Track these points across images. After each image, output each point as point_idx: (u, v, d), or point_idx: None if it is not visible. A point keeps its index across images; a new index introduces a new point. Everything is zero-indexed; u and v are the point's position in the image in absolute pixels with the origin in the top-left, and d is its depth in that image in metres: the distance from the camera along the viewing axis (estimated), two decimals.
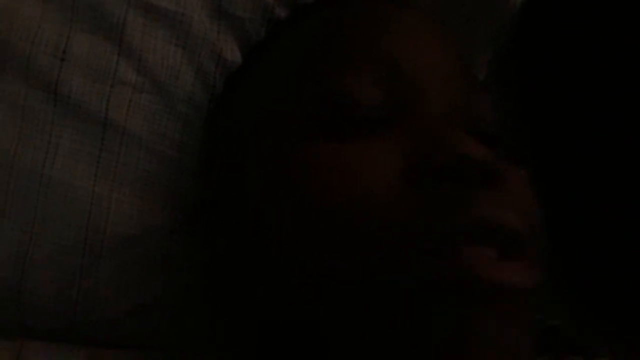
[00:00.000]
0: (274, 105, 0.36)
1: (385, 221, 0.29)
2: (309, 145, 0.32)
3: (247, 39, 0.44)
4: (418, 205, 0.29)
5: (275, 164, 0.33)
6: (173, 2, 0.44)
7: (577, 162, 0.42)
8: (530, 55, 0.44)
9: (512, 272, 0.28)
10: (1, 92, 0.42)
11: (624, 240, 0.38)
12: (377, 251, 0.29)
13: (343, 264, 0.30)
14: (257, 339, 0.34)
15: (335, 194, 0.30)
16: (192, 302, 0.41)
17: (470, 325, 0.28)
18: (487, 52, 0.44)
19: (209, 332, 0.39)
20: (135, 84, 0.43)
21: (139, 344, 0.41)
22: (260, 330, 0.33)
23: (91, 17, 0.43)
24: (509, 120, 0.42)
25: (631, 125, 0.40)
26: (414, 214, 0.29)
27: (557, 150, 0.43)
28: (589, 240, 0.40)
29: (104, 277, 0.41)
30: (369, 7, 0.37)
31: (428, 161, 0.30)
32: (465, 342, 0.28)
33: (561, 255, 0.41)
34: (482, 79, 0.44)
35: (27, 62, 0.42)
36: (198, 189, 0.42)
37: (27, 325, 0.42)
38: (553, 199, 0.42)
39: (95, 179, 0.42)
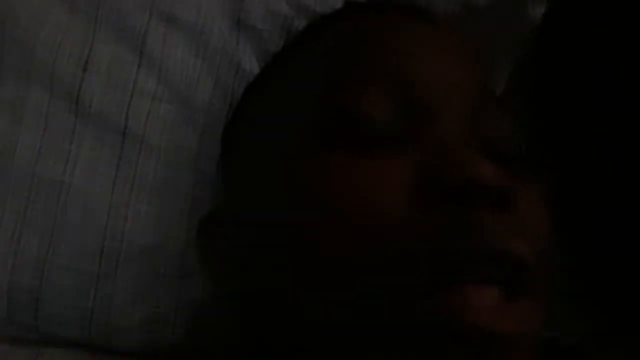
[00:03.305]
0: (288, 118, 0.35)
1: (389, 243, 0.28)
2: (320, 160, 0.32)
3: (266, 50, 0.44)
4: (424, 228, 0.28)
5: (286, 179, 0.33)
6: (194, 14, 0.44)
7: (599, 173, 0.41)
8: (552, 67, 0.43)
9: (514, 319, 0.27)
10: (26, 100, 0.43)
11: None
12: (378, 280, 0.28)
13: (343, 289, 0.29)
14: (266, 355, 0.33)
15: (342, 210, 0.30)
16: (206, 314, 0.41)
17: None
18: (508, 64, 0.43)
19: (221, 345, 0.39)
20: (154, 94, 0.43)
21: (152, 353, 0.42)
22: (268, 347, 0.33)
23: (114, 27, 0.44)
24: (529, 132, 0.42)
25: None
26: (420, 237, 0.28)
27: (579, 161, 0.42)
28: (613, 255, 0.39)
29: (120, 286, 0.41)
30: (386, 20, 0.37)
31: (437, 182, 0.29)
32: None
33: (582, 269, 0.40)
34: (503, 92, 0.44)
35: (51, 72, 0.43)
36: (215, 200, 0.42)
37: (43, 331, 0.42)
38: (574, 210, 0.42)
39: (113, 187, 0.42)
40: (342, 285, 0.29)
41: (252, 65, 0.44)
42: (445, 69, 0.34)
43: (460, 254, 0.28)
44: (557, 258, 0.32)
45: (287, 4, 0.45)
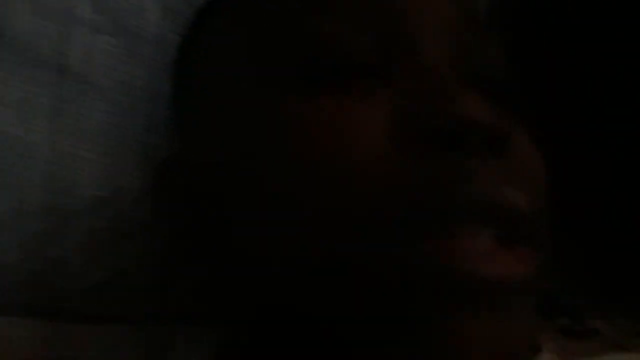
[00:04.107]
0: (248, 48, 0.31)
1: (368, 190, 0.25)
2: (286, 97, 0.28)
3: None
4: (409, 174, 0.25)
5: (249, 118, 0.29)
6: None
7: (581, 109, 0.40)
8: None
9: (507, 264, 0.25)
10: None
11: (628, 203, 0.37)
12: (355, 227, 0.25)
13: (315, 237, 0.26)
14: (235, 310, 0.31)
15: (313, 154, 0.26)
16: (168, 270, 0.38)
17: (459, 327, 0.25)
18: None
19: (186, 303, 0.36)
20: (94, 25, 0.38)
21: (111, 317, 0.39)
22: (236, 300, 0.31)
23: None
24: (512, 58, 0.40)
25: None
26: (405, 184, 0.25)
27: (560, 90, 0.41)
28: (590, 201, 0.38)
29: (71, 244, 0.38)
30: None
31: (421, 122, 0.26)
32: (453, 345, 0.25)
33: (560, 216, 0.40)
34: (484, 18, 0.41)
35: None
36: (170, 144, 0.38)
37: None
38: (557, 155, 0.40)
39: (54, 134, 0.37)
40: (318, 238, 0.26)
41: None
42: None
43: (449, 203, 0.25)
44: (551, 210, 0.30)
45: None
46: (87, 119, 0.38)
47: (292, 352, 0.28)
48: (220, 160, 0.30)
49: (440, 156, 0.25)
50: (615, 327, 0.35)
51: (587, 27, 0.40)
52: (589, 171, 0.39)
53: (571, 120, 0.39)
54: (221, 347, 0.32)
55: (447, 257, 0.25)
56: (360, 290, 0.26)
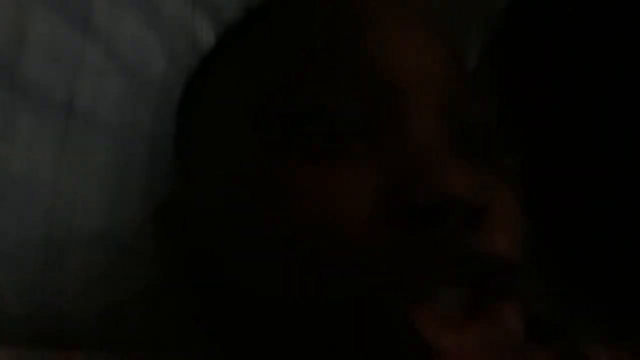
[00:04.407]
0: (242, 106, 0.32)
1: (350, 259, 0.26)
2: (276, 161, 0.29)
3: (224, 21, 0.41)
4: (389, 247, 0.26)
5: (242, 172, 0.30)
6: None
7: (568, 149, 0.41)
8: (520, 44, 0.43)
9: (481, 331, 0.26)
10: None
11: (617, 223, 0.37)
12: (336, 290, 0.27)
13: (300, 297, 0.27)
14: (224, 341, 0.31)
15: (300, 219, 0.27)
16: (164, 300, 0.38)
17: None
18: (478, 42, 0.43)
19: (180, 332, 0.36)
20: (102, 69, 0.40)
21: (108, 345, 0.39)
22: (227, 337, 0.31)
23: None
24: (500, 109, 0.41)
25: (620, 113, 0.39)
26: (384, 256, 0.26)
27: (547, 138, 0.42)
28: (580, 223, 0.39)
29: (70, 275, 0.38)
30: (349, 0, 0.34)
31: (405, 196, 0.27)
32: None
33: (551, 238, 0.40)
34: (472, 69, 0.43)
35: None
36: (171, 181, 0.39)
37: None
38: (543, 186, 0.41)
39: (58, 170, 0.39)
40: (299, 291, 0.27)
41: (209, 37, 0.41)
42: (415, 52, 0.31)
43: (427, 273, 0.26)
44: (533, 248, 0.31)
45: None
46: (91, 156, 0.39)
47: None
48: (214, 207, 0.31)
49: (422, 231, 0.26)
50: (609, 351, 0.35)
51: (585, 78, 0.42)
52: (581, 207, 0.39)
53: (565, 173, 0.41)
54: None
55: (415, 327, 0.25)
56: (332, 341, 0.27)
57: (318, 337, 0.27)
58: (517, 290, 0.28)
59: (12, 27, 0.40)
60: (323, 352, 0.27)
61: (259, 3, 0.41)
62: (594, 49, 0.40)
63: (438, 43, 0.32)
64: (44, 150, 0.39)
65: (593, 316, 0.39)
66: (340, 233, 0.27)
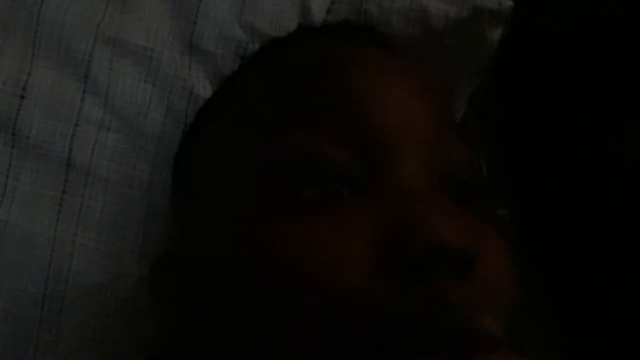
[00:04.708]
0: (233, 159, 0.32)
1: (345, 312, 0.26)
2: (270, 214, 0.29)
3: (220, 75, 0.42)
4: (383, 300, 0.26)
5: (237, 227, 0.30)
6: (142, 37, 0.42)
7: (560, 198, 0.41)
8: (510, 89, 0.43)
9: None
10: None
11: (616, 269, 0.37)
12: (330, 346, 0.26)
13: (295, 353, 0.27)
14: None
15: (293, 275, 0.27)
16: (160, 357, 0.38)
17: None
18: (467, 89, 0.43)
19: None
20: (101, 123, 0.41)
21: None
22: None
23: (55, 51, 0.41)
24: (490, 155, 0.41)
25: (613, 155, 0.40)
26: (378, 310, 0.26)
27: (537, 179, 0.42)
28: (579, 269, 0.39)
29: (66, 331, 0.38)
30: (340, 50, 0.34)
31: (399, 249, 0.27)
32: None
33: (549, 285, 0.40)
34: (462, 117, 0.44)
35: None
36: (169, 235, 0.39)
37: None
38: (537, 234, 0.41)
39: (57, 224, 0.39)
40: (291, 350, 0.27)
41: (205, 91, 0.42)
42: (403, 104, 0.31)
43: (421, 332, 0.26)
44: (522, 297, 0.31)
45: (241, 27, 0.43)
46: (90, 209, 0.39)
47: None
48: (211, 260, 0.31)
49: (413, 282, 0.26)
50: None
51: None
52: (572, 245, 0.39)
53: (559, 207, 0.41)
54: None
55: None
56: None
57: None
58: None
59: (13, 82, 0.40)
60: None
61: (252, 56, 0.42)
62: (587, 101, 0.41)
63: (422, 94, 0.32)
64: (43, 204, 0.39)
65: None
66: (334, 287, 0.27)
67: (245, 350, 0.29)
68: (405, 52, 0.38)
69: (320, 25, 0.45)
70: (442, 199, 0.29)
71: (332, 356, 0.26)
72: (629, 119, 0.39)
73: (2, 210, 0.39)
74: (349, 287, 0.27)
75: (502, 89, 0.43)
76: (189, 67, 0.42)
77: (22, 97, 0.40)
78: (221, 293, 0.30)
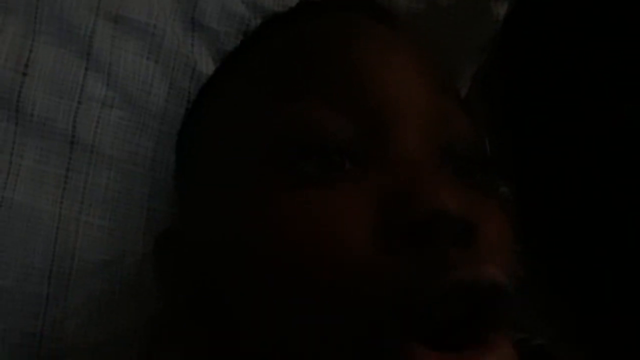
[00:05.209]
0: (237, 134, 0.32)
1: (350, 282, 0.26)
2: (273, 188, 0.29)
3: (222, 52, 0.42)
4: (388, 268, 0.26)
5: (239, 202, 0.30)
6: (144, 14, 0.42)
7: (561, 174, 0.41)
8: (515, 67, 0.43)
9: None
10: None
11: (618, 253, 0.37)
12: (336, 316, 0.27)
13: (298, 325, 0.27)
14: None
15: (298, 245, 0.27)
16: (166, 333, 0.38)
17: None
18: (472, 66, 0.43)
19: None
20: (104, 100, 0.41)
21: None
22: None
23: (56, 28, 0.41)
24: (494, 132, 0.41)
25: (615, 137, 0.39)
26: (382, 278, 0.26)
27: (540, 161, 0.42)
28: (581, 253, 0.39)
29: (72, 307, 0.38)
30: (342, 24, 0.34)
31: (400, 215, 0.27)
32: None
33: (550, 269, 0.40)
34: (466, 94, 0.43)
35: None
36: (172, 211, 0.39)
37: None
38: (540, 214, 0.41)
39: (61, 201, 0.39)
40: (296, 326, 0.27)
41: (208, 68, 0.42)
42: (403, 77, 0.31)
43: (428, 299, 0.26)
44: (523, 270, 0.31)
45: (244, 3, 0.43)
46: (94, 187, 0.40)
47: None
48: (213, 237, 0.31)
49: (413, 248, 0.27)
50: None
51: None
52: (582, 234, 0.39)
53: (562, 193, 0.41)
54: None
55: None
56: None
57: None
58: (509, 318, 0.28)
59: (15, 59, 0.40)
60: None
61: (254, 31, 0.41)
62: (593, 76, 0.40)
63: (424, 66, 0.32)
64: (47, 181, 0.40)
65: (595, 346, 0.39)
66: (336, 257, 0.27)
67: (249, 325, 0.29)
68: (409, 26, 0.38)
69: (322, 0, 0.45)
70: (443, 169, 0.29)
71: (336, 327, 0.27)
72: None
73: (7, 188, 0.39)
74: (350, 255, 0.27)
75: (506, 67, 0.43)
76: (192, 44, 0.42)
77: (24, 74, 0.40)
78: (224, 268, 0.30)
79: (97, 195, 0.40)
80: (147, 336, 0.39)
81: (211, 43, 0.42)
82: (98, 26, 0.41)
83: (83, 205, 0.39)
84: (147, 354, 0.39)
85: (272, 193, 0.29)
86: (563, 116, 0.41)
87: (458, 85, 0.45)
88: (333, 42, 0.32)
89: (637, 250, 0.37)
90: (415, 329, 0.26)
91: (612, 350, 0.39)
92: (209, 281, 0.31)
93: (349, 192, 0.28)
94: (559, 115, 0.42)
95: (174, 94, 0.41)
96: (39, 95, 0.40)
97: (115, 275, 0.39)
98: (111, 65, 0.41)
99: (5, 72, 0.40)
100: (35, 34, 0.41)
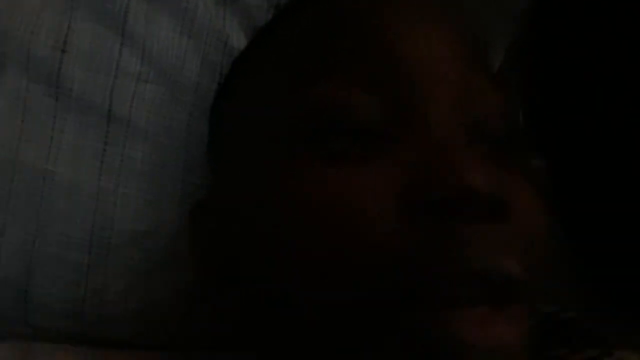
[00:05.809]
0: (268, 109, 0.33)
1: (376, 258, 0.27)
2: (302, 162, 0.30)
3: (254, 26, 0.42)
4: (413, 243, 0.27)
5: (268, 175, 0.31)
6: None
7: (593, 148, 0.40)
8: (548, 41, 0.42)
9: (501, 331, 0.27)
10: (2, 86, 0.41)
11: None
12: (362, 294, 0.27)
13: (324, 297, 0.28)
14: (253, 341, 0.32)
15: (323, 220, 0.28)
16: (199, 303, 0.40)
17: None
18: (505, 39, 0.42)
19: (213, 332, 0.37)
20: (139, 75, 0.41)
21: (146, 343, 0.40)
22: (258, 336, 0.32)
23: (92, 6, 0.42)
24: (527, 106, 0.41)
25: None
26: (405, 253, 0.27)
27: (573, 136, 0.41)
28: (607, 227, 0.38)
29: (111, 275, 0.40)
30: None
31: (427, 189, 0.27)
32: None
33: (578, 244, 0.40)
34: (499, 66, 0.43)
35: (27, 54, 0.41)
36: (206, 183, 0.40)
37: (34, 325, 0.40)
38: (569, 189, 0.41)
39: (100, 173, 0.40)
40: (324, 293, 0.28)
41: (240, 43, 0.42)
42: (435, 53, 0.31)
43: (448, 274, 0.26)
44: (553, 246, 0.31)
45: None
46: (130, 160, 0.41)
47: None
48: (245, 209, 0.32)
49: (442, 225, 0.27)
50: None
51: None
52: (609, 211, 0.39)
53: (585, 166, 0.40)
54: None
55: (442, 325, 0.26)
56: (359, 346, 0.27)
57: (346, 338, 0.28)
58: (526, 303, 0.28)
59: (55, 35, 0.41)
60: (352, 354, 0.28)
61: (286, 5, 0.42)
62: (625, 49, 0.39)
63: (456, 39, 0.32)
64: (87, 155, 0.41)
65: (626, 321, 0.39)
66: (365, 232, 0.27)
67: (279, 294, 0.30)
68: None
69: None
70: (473, 145, 0.29)
71: (360, 300, 0.27)
72: None
73: (49, 161, 0.41)
74: (373, 228, 0.27)
75: (539, 38, 0.42)
76: (224, 18, 0.42)
77: (63, 51, 0.41)
78: (254, 239, 0.31)
79: (133, 168, 0.41)
80: (184, 303, 0.40)
81: (243, 17, 0.43)
82: (132, 2, 0.42)
83: (120, 178, 0.41)
84: (184, 320, 0.40)
85: (302, 168, 0.29)
86: (598, 87, 0.41)
87: (491, 58, 0.44)
88: (365, 14, 0.32)
89: None
90: (444, 299, 0.26)
91: None
92: (240, 251, 0.32)
93: (377, 168, 0.28)
94: (594, 87, 0.41)
95: (207, 69, 0.42)
96: (77, 72, 0.41)
97: (152, 245, 0.40)
98: (145, 41, 0.42)
99: (46, 50, 0.41)
100: (72, 11, 0.42)
